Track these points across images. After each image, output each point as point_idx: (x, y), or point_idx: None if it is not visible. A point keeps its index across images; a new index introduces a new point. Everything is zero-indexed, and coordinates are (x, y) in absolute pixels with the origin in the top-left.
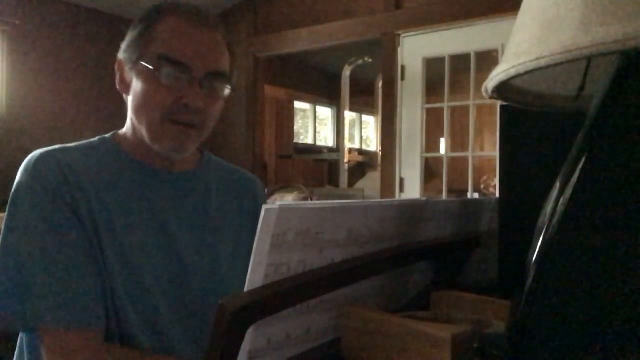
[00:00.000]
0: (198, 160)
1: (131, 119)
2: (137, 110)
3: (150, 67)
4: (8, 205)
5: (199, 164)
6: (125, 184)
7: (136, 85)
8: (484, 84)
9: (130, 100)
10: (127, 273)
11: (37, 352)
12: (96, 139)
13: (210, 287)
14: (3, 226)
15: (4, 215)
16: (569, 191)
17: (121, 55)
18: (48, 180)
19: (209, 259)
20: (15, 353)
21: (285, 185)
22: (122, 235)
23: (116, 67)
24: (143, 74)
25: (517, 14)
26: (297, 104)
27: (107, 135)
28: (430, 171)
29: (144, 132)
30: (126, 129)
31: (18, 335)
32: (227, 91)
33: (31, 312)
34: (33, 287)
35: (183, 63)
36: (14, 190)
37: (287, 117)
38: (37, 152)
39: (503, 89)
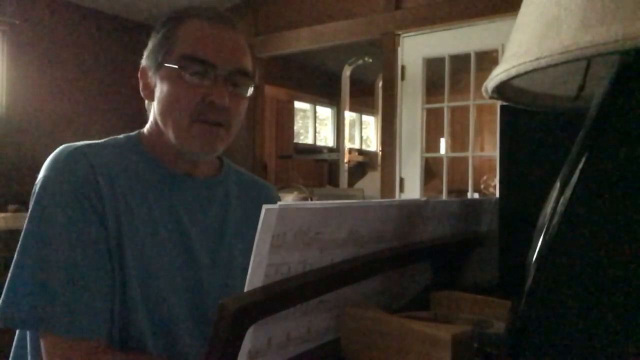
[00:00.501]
0: (218, 167)
1: (156, 123)
2: (164, 113)
3: (175, 67)
4: (33, 198)
5: (219, 171)
6: (150, 185)
7: (161, 88)
8: (484, 84)
9: (155, 105)
10: (144, 277)
11: (38, 346)
12: (122, 136)
13: (224, 295)
14: (27, 219)
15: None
16: (569, 191)
17: (144, 62)
18: (77, 179)
19: (225, 266)
20: (14, 345)
21: (285, 185)
22: (143, 236)
23: (139, 74)
24: (168, 76)
25: (517, 14)
26: (297, 104)
27: (133, 134)
28: (430, 171)
29: (171, 134)
30: (149, 132)
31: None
32: (250, 90)
33: (37, 314)
34: (43, 290)
35: (208, 61)
36: (41, 184)
37: (287, 117)
38: (66, 147)
39: (503, 89)
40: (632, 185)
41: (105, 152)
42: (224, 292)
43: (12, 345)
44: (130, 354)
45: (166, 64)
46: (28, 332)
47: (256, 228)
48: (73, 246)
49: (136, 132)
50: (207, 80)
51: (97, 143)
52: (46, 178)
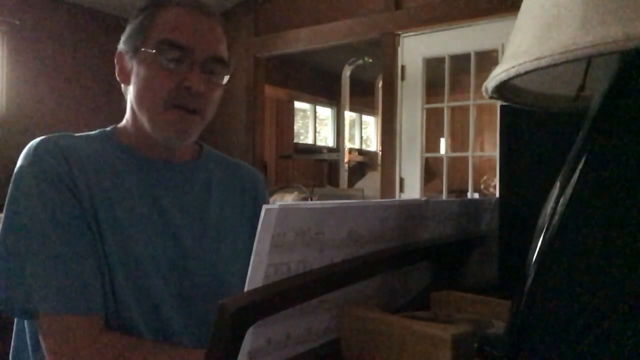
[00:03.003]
0: (198, 152)
1: (131, 109)
2: (139, 97)
3: (152, 52)
4: (10, 188)
5: (198, 156)
6: (125, 174)
7: (137, 72)
8: (484, 84)
9: (130, 89)
10: (127, 259)
11: (37, 337)
12: (97, 131)
13: (211, 276)
14: (4, 209)
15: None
16: (569, 191)
17: (121, 46)
18: (49, 164)
19: (210, 248)
20: (12, 339)
21: (285, 185)
22: (122, 222)
23: (116, 59)
24: (144, 61)
25: (517, 14)
26: (297, 104)
27: (108, 129)
28: (430, 171)
29: (144, 119)
30: (125, 120)
31: (13, 321)
32: (226, 78)
33: (29, 298)
34: (32, 272)
35: (184, 46)
36: (15, 174)
37: (287, 117)
38: (37, 139)
39: (503, 89)
40: (632, 185)
41: (78, 142)
42: (211, 273)
43: (11, 340)
44: (127, 337)
45: (143, 49)
46: (26, 326)
47: (239, 208)
48: (53, 226)
49: (111, 126)
50: (183, 66)
51: (70, 134)
52: (20, 167)
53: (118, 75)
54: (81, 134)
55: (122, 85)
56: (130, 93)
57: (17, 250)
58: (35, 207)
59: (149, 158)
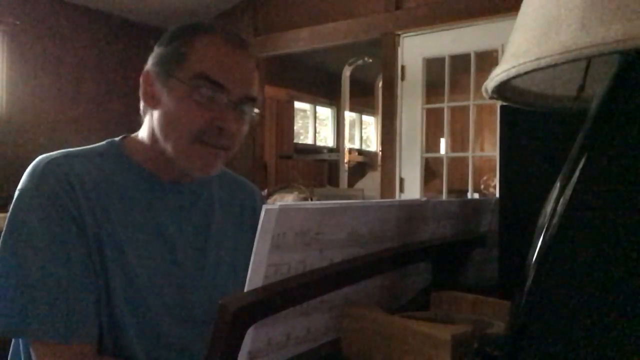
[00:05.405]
0: None
1: (154, 133)
2: (166, 127)
3: (186, 83)
4: (10, 210)
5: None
6: (131, 194)
7: (168, 101)
8: (484, 84)
9: (157, 114)
10: (128, 285)
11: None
12: (104, 143)
13: (211, 301)
14: (4, 231)
15: (6, 216)
16: (569, 191)
17: (150, 68)
18: (54, 189)
19: (210, 272)
20: (10, 353)
21: (285, 185)
22: (125, 247)
23: (142, 78)
24: (177, 91)
25: (517, 14)
26: (297, 104)
27: (116, 140)
28: (430, 171)
29: (169, 149)
30: (142, 136)
31: (10, 339)
32: (254, 114)
33: (24, 322)
34: (29, 297)
35: (222, 84)
36: (18, 195)
37: (287, 117)
38: (43, 159)
39: (503, 89)
40: (632, 185)
41: (83, 162)
42: (210, 298)
43: (9, 351)
44: None
45: (178, 78)
46: (21, 341)
47: (238, 228)
48: (53, 252)
49: (120, 137)
50: (216, 103)
51: (75, 152)
52: (23, 190)
53: (142, 95)
54: (87, 148)
55: (142, 104)
56: (154, 117)
57: (14, 273)
58: (36, 233)
59: (159, 178)
